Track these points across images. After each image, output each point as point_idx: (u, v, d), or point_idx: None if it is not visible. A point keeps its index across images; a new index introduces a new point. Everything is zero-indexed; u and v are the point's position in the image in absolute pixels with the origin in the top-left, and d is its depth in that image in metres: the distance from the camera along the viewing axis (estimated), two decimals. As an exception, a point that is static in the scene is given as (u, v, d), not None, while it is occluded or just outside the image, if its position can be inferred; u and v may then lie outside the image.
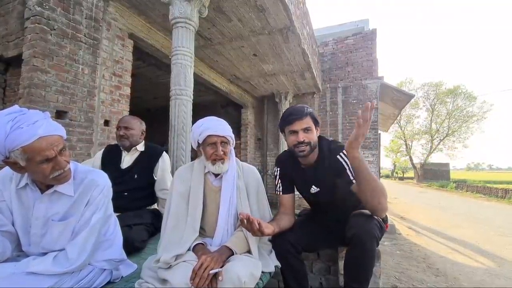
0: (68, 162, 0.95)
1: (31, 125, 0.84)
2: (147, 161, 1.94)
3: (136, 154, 1.94)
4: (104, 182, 1.06)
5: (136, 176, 1.88)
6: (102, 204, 1.04)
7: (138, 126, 1.95)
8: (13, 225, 0.99)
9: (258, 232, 1.12)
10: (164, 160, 1.98)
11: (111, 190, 1.10)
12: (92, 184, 1.02)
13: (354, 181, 1.30)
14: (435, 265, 3.61)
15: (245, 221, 1.08)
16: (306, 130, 1.38)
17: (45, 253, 0.99)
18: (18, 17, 2.61)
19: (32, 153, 0.84)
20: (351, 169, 1.30)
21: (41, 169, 0.88)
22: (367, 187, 1.20)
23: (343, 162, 1.35)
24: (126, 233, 1.35)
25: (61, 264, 0.94)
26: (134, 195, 1.85)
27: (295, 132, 1.39)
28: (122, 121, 1.94)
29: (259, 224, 1.11)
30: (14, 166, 0.88)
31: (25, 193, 0.99)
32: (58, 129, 0.92)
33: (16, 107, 0.88)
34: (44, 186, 0.98)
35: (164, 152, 2.02)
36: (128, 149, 1.93)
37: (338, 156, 1.37)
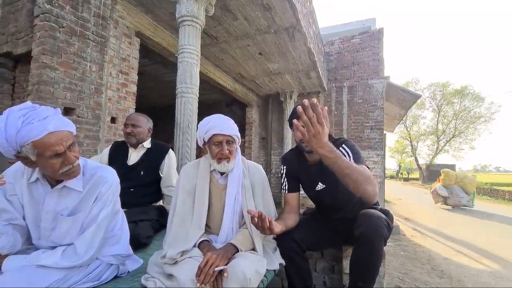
0: (77, 158, 0.97)
1: (42, 120, 0.86)
2: (154, 158, 1.95)
3: (143, 151, 1.96)
4: (112, 178, 1.08)
5: (142, 173, 1.89)
6: (110, 201, 1.05)
7: (145, 124, 1.96)
8: (24, 219, 1.01)
9: (267, 230, 1.13)
10: (170, 157, 2.00)
11: (119, 186, 1.12)
12: (101, 180, 1.04)
13: None
14: (439, 267, 3.58)
15: (255, 218, 1.09)
16: None
17: (54, 247, 1.01)
18: (28, 15, 2.65)
19: (42, 148, 0.86)
20: (351, 159, 1.31)
21: (50, 164, 0.90)
22: (348, 181, 1.15)
23: (343, 154, 1.35)
24: (132, 229, 1.36)
25: (69, 258, 0.96)
26: (140, 191, 1.87)
27: None
28: (130, 118, 1.96)
29: (269, 222, 1.12)
30: (26, 161, 0.90)
31: (36, 188, 1.01)
32: (68, 125, 0.94)
33: (28, 103, 0.90)
34: (54, 181, 1.00)
35: (170, 149, 2.04)
36: (135, 146, 1.95)
37: (340, 148, 1.38)
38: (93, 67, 2.83)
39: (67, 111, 2.62)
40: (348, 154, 1.35)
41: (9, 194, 0.99)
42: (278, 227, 1.21)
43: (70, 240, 1.01)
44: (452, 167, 25.32)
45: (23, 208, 1.01)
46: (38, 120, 0.85)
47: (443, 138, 24.22)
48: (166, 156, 1.97)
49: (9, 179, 0.99)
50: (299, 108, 0.95)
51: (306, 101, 0.94)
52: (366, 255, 1.25)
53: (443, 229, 5.97)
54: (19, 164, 1.00)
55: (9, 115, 0.84)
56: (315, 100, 0.96)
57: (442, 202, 9.48)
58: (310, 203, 1.73)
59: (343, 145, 1.39)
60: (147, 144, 1.98)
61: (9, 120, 0.83)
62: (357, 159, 1.33)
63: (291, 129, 1.51)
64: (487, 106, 22.27)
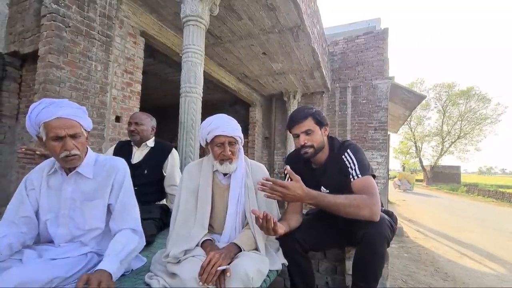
0: (78, 149, 1.02)
1: (57, 107, 0.98)
2: (157, 157, 1.97)
3: (146, 150, 1.98)
4: (123, 166, 1.16)
5: (146, 172, 1.91)
6: (130, 186, 1.15)
7: (149, 122, 1.98)
8: (37, 214, 1.07)
9: (272, 231, 1.13)
10: (174, 156, 2.01)
11: (129, 173, 1.19)
12: (113, 168, 1.12)
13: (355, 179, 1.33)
14: (443, 269, 3.55)
15: (260, 219, 1.09)
16: (307, 132, 1.40)
17: (71, 237, 1.07)
18: (35, 14, 2.68)
19: (47, 129, 0.97)
20: (356, 169, 1.32)
21: (52, 146, 0.98)
22: (341, 214, 1.23)
23: (347, 162, 1.36)
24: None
25: (135, 241, 1.10)
26: (143, 190, 1.86)
27: (297, 136, 1.42)
28: (133, 117, 1.98)
29: (273, 223, 1.11)
30: (41, 142, 1.01)
31: (54, 178, 1.09)
32: (80, 118, 1.02)
33: (65, 99, 1.04)
34: (67, 169, 1.07)
35: (173, 148, 2.05)
36: (139, 145, 1.97)
37: (343, 156, 1.38)
38: (99, 67, 2.86)
39: (73, 110, 2.65)
40: (353, 162, 1.34)
41: (29, 188, 1.08)
42: (282, 229, 1.21)
43: (92, 225, 1.08)
44: (457, 168, 25.08)
45: (37, 202, 1.08)
46: (54, 106, 0.98)
47: (448, 139, 23.96)
48: (170, 155, 1.98)
49: (32, 176, 1.09)
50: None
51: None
52: (369, 257, 1.24)
53: (439, 227, 5.92)
54: (43, 163, 1.13)
55: (41, 102, 0.98)
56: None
57: (398, 189, 17.98)
58: (313, 204, 1.73)
59: (348, 151, 1.38)
60: (151, 143, 2.00)
61: (38, 105, 0.98)
62: (362, 168, 1.32)
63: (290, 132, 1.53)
64: (493, 107, 22.02)
